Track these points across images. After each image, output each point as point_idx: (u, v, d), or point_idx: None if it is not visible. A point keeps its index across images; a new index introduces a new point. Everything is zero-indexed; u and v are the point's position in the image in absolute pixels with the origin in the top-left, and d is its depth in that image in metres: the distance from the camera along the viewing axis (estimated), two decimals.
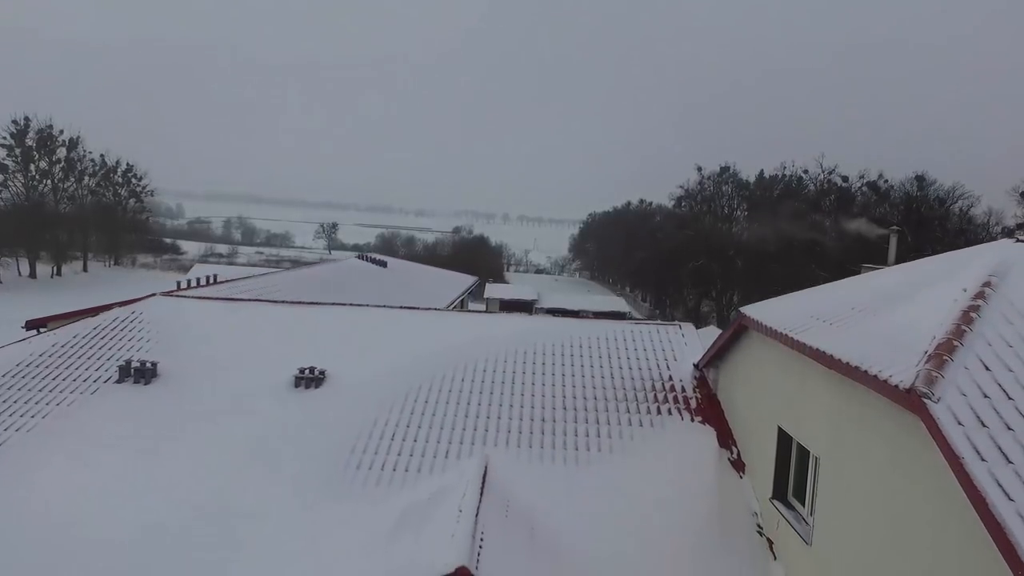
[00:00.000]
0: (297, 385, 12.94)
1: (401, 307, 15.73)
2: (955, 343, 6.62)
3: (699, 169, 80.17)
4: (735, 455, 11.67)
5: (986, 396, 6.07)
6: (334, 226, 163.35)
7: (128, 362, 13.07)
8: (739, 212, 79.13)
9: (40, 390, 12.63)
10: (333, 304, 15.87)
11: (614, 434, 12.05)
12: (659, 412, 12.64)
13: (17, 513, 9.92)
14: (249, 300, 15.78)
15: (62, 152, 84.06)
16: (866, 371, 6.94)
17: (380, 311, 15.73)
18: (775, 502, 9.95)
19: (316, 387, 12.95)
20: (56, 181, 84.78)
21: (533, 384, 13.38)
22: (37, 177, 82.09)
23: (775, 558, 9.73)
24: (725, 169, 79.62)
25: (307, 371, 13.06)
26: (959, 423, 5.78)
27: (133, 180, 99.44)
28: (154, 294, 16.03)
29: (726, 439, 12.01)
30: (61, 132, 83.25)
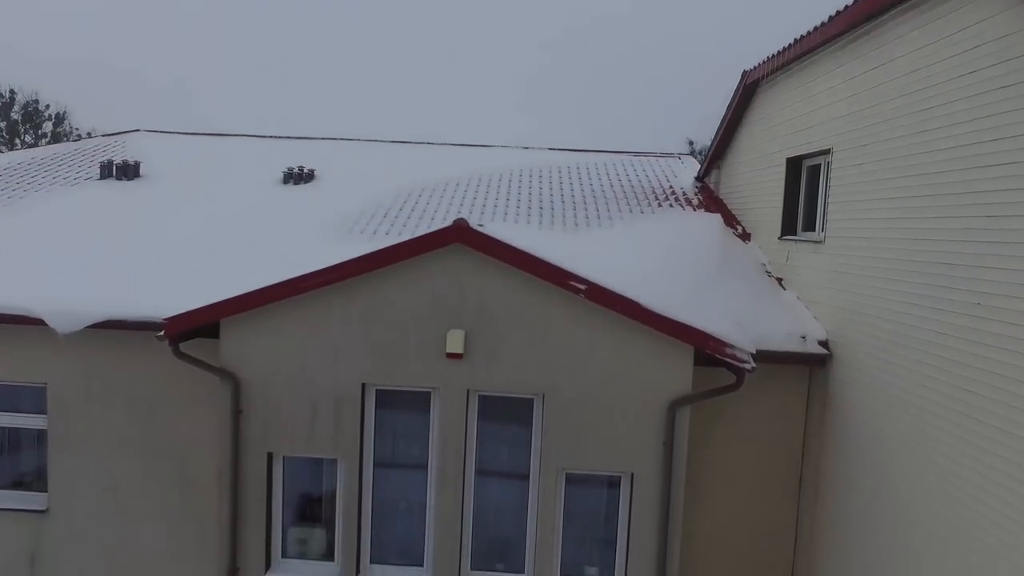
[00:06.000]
0: (286, 181, 12.51)
1: (396, 140, 15.32)
2: None
3: (690, 143, 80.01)
4: (740, 231, 11.31)
5: None
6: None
7: (110, 160, 12.60)
8: None
9: (17, 184, 12.14)
10: (324, 139, 15.42)
11: (615, 216, 11.69)
12: (660, 206, 12.29)
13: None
14: (238, 135, 15.32)
15: (48, 127, 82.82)
16: None
17: (374, 144, 15.30)
18: (784, 238, 9.59)
19: (306, 183, 12.51)
20: None
21: (531, 187, 13.02)
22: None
23: (784, 290, 9.37)
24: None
25: (295, 168, 12.62)
26: None
27: None
28: (138, 130, 15.54)
29: (731, 221, 11.64)
30: (47, 107, 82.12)
